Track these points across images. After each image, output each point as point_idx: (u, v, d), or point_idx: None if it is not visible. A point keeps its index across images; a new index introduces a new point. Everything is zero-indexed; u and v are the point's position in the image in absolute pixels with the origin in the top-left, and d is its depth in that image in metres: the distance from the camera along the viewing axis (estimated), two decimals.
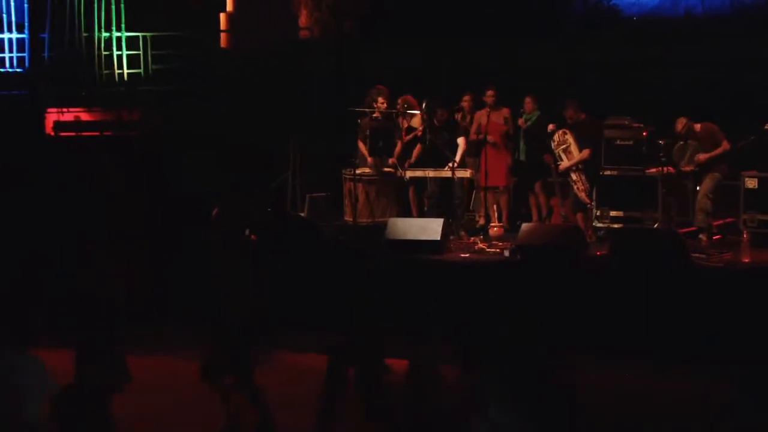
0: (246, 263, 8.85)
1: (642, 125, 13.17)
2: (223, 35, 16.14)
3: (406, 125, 13.76)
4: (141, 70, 14.84)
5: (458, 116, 13.78)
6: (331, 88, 15.48)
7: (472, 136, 13.35)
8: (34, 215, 13.12)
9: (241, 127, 14.15)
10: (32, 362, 6.16)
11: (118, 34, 14.75)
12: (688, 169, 12.59)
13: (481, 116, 13.31)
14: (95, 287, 8.16)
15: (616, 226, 13.03)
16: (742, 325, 10.28)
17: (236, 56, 15.77)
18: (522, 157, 13.58)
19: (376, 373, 8.69)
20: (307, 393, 8.82)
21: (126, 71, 14.78)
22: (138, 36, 14.81)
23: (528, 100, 13.43)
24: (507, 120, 13.31)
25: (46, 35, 14.60)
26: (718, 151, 12.30)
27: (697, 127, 12.44)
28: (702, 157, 12.34)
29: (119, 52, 14.79)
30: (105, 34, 14.73)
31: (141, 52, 14.82)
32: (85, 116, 14.38)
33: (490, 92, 13.27)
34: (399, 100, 13.68)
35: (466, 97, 13.72)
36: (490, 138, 13.16)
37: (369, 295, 8.63)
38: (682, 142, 12.61)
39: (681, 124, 12.42)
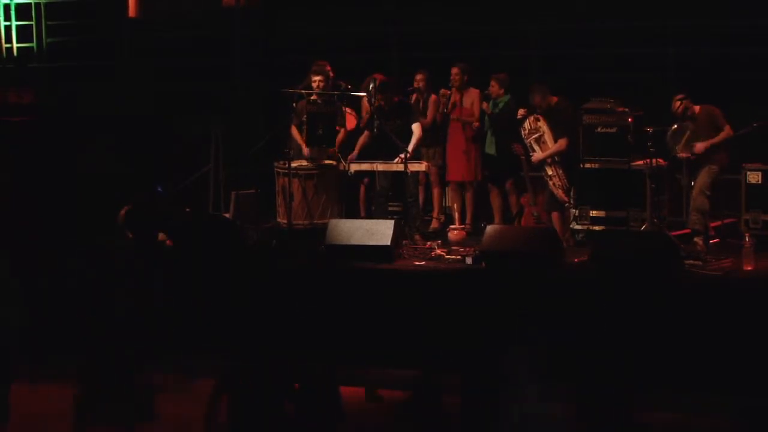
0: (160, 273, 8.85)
1: (627, 110, 13.14)
2: (131, 2, 16.05)
3: (365, 111, 13.70)
4: (33, 44, 14.74)
5: (413, 98, 13.79)
6: (260, 65, 15.47)
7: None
8: None
9: (153, 111, 14.08)
10: None
11: (6, 0, 14.65)
12: (683, 155, 12.60)
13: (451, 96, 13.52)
14: None
15: (597, 228, 13.05)
16: (744, 344, 10.30)
17: (147, 27, 15.71)
18: (491, 150, 13.64)
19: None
20: None
21: (15, 45, 14.68)
22: (30, 3, 14.71)
23: (493, 82, 13.40)
24: (473, 104, 13.45)
25: None
26: (720, 137, 12.31)
27: (696, 108, 12.47)
28: (700, 146, 12.33)
29: (7, 23, 14.69)
30: None
31: (33, 23, 14.72)
32: None
33: (454, 70, 13.43)
34: (368, 80, 13.57)
35: (419, 76, 13.78)
36: (454, 124, 13.42)
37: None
38: (676, 125, 12.63)
39: (677, 101, 12.45)
